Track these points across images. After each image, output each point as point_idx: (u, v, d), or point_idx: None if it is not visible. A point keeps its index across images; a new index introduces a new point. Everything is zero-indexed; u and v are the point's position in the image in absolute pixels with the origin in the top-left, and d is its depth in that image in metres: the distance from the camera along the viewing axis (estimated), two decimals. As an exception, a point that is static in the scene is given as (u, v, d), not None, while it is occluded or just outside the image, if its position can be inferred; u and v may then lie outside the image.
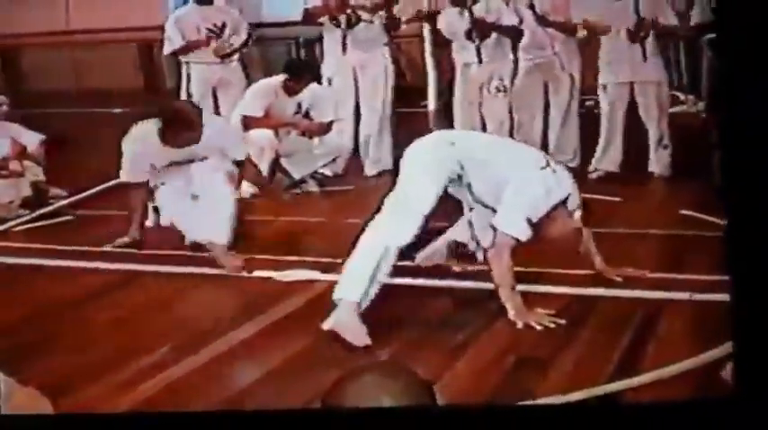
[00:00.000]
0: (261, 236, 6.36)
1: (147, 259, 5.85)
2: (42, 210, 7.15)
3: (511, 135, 7.61)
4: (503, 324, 4.58)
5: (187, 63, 8.13)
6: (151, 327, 4.83)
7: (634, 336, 4.39)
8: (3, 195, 7.14)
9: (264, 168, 7.40)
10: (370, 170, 7.99)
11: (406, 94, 9.09)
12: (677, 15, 7.53)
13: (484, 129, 7.70)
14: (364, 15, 7.85)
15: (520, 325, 4.53)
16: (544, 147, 7.50)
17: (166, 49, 8.16)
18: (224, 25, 8.09)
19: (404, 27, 8.25)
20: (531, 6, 7.54)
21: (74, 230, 6.78)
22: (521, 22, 7.58)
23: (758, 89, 2.96)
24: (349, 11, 7.83)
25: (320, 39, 8.42)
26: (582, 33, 7.45)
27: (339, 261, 5.26)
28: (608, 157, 7.48)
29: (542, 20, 7.51)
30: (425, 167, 4.78)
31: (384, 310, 4.59)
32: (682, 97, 9.38)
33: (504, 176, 4.70)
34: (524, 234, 4.61)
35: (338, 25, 7.88)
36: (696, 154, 6.82)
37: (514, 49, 7.65)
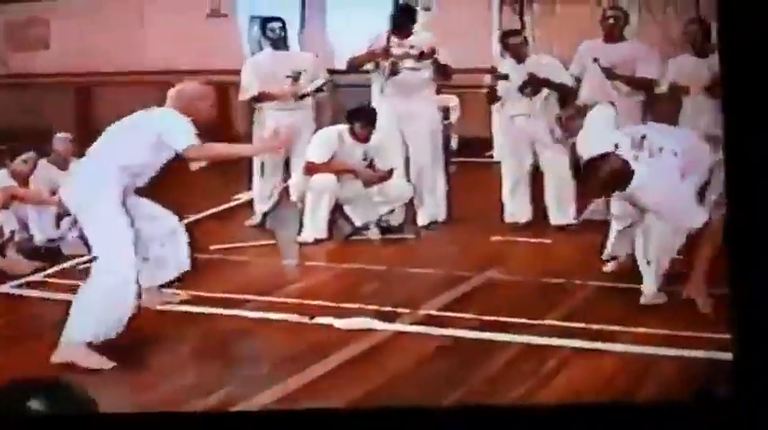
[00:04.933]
0: (321, 282, 6.44)
1: (211, 302, 5.95)
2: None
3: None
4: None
5: (260, 109, 8.22)
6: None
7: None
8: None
9: (324, 213, 7.53)
10: (422, 220, 8.01)
11: (470, 144, 9.15)
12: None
13: (536, 180, 7.85)
14: (408, 63, 7.92)
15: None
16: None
17: (242, 95, 8.18)
18: (301, 71, 8.18)
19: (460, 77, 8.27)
20: (596, 60, 7.63)
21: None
22: (578, 79, 7.71)
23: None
24: (393, 59, 7.91)
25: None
26: (662, 89, 7.52)
27: (399, 310, 5.35)
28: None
29: (609, 72, 7.61)
30: None
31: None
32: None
33: None
34: None
35: (382, 73, 7.97)
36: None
37: (562, 104, 7.71)
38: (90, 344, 4.96)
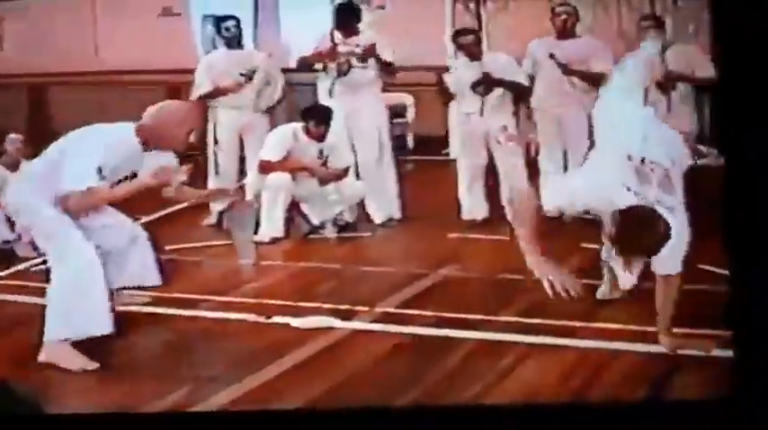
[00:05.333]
0: (279, 281, 6.43)
1: (167, 302, 5.89)
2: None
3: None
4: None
5: (214, 108, 8.20)
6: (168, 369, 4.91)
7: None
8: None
9: (280, 212, 7.52)
10: (377, 218, 8.01)
11: (426, 142, 9.17)
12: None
13: (493, 177, 7.88)
14: (356, 62, 7.93)
15: (540, 278, 4.42)
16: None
17: (195, 94, 8.14)
18: (255, 70, 8.17)
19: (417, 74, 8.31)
20: (552, 56, 7.68)
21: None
22: (532, 78, 7.78)
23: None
24: (342, 58, 7.92)
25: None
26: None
27: (356, 308, 5.35)
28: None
29: (566, 69, 7.66)
30: None
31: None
32: (704, 150, 9.39)
33: None
34: None
35: (330, 72, 7.98)
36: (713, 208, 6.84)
37: (516, 102, 7.77)
38: (77, 344, 4.87)
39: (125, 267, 5.33)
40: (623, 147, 4.58)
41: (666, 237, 4.27)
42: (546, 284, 4.32)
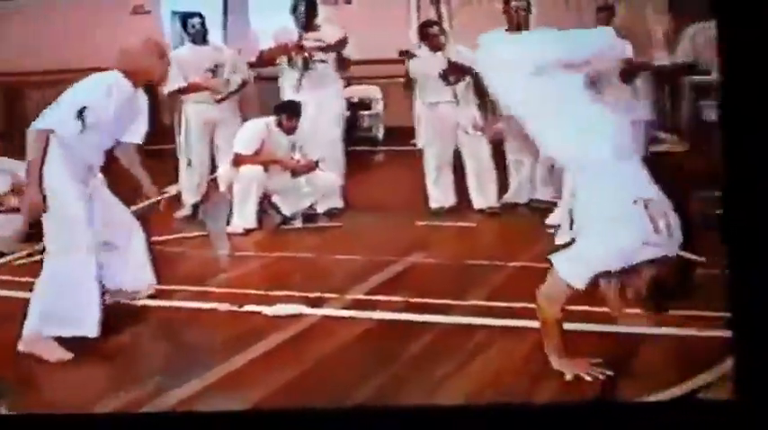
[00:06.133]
0: (251, 271, 6.56)
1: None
2: (39, 246, 7.32)
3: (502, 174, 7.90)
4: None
5: (184, 102, 8.32)
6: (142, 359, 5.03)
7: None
8: (1, 229, 7.28)
9: (253, 204, 7.64)
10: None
11: (395, 133, 9.29)
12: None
13: (460, 167, 8.02)
14: (318, 56, 8.08)
15: (568, 376, 4.34)
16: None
17: (167, 89, 8.23)
18: (221, 65, 8.29)
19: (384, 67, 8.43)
20: None
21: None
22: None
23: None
24: (306, 53, 8.07)
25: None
26: None
27: (326, 295, 5.46)
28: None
29: None
30: None
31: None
32: (663, 136, 9.56)
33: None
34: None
35: (294, 66, 8.14)
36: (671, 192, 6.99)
37: (480, 92, 7.86)
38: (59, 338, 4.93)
39: (124, 267, 5.38)
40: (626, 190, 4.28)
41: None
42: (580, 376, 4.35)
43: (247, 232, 7.64)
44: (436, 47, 7.93)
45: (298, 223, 7.85)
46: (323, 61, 8.13)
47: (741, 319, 3.30)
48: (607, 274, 4.48)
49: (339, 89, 8.43)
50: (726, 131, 3.38)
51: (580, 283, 4.30)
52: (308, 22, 8.13)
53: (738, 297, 3.32)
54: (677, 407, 3.79)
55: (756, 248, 3.22)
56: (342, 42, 8.08)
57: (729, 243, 3.31)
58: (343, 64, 8.22)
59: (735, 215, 3.31)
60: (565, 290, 4.31)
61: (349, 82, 8.47)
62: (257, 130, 7.81)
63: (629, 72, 7.39)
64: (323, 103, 8.17)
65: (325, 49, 8.05)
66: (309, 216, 7.93)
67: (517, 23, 7.75)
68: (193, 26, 8.31)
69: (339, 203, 8.21)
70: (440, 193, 8.07)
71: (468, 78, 7.86)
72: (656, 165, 7.56)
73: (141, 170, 5.42)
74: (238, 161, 7.74)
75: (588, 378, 4.32)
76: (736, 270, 3.30)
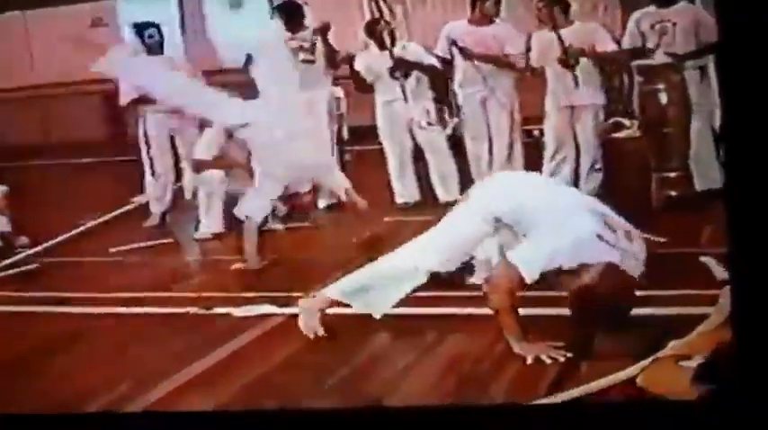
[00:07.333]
0: (221, 274, 6.64)
1: (109, 302, 6.08)
2: (9, 260, 7.42)
3: (462, 168, 7.98)
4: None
5: (144, 112, 8.33)
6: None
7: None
8: None
9: (218, 209, 7.69)
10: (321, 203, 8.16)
11: (360, 132, 9.33)
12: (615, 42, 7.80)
13: (418, 160, 8.12)
14: (303, 56, 8.15)
15: (530, 360, 4.44)
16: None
17: (122, 100, 8.31)
18: None
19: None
20: (454, 42, 7.87)
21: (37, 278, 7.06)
22: (448, 60, 7.97)
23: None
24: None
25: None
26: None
27: (294, 295, 5.52)
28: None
29: (466, 54, 7.84)
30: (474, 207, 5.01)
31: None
32: (627, 123, 9.64)
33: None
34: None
35: None
36: (632, 177, 7.12)
37: (434, 86, 7.98)
38: None
39: None
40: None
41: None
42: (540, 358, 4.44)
43: (216, 236, 7.68)
44: (382, 45, 8.01)
45: (276, 225, 7.85)
46: (310, 61, 8.17)
47: (742, 320, 3.28)
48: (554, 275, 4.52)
49: (328, 89, 8.45)
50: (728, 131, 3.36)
51: (533, 273, 4.44)
52: (294, 23, 8.18)
53: (740, 298, 3.31)
54: (677, 406, 3.80)
55: (757, 248, 3.20)
56: (325, 28, 8.14)
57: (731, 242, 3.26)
58: (332, 57, 8.28)
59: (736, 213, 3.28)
60: (513, 280, 4.47)
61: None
62: (216, 135, 7.83)
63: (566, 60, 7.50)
64: (311, 105, 8.14)
65: (309, 49, 8.09)
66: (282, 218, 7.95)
67: (478, 15, 7.89)
68: (150, 36, 8.34)
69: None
70: (404, 189, 8.16)
71: (416, 73, 7.92)
72: (616, 151, 7.76)
73: None
74: (199, 166, 7.75)
75: (548, 360, 4.41)
76: (738, 271, 3.29)
